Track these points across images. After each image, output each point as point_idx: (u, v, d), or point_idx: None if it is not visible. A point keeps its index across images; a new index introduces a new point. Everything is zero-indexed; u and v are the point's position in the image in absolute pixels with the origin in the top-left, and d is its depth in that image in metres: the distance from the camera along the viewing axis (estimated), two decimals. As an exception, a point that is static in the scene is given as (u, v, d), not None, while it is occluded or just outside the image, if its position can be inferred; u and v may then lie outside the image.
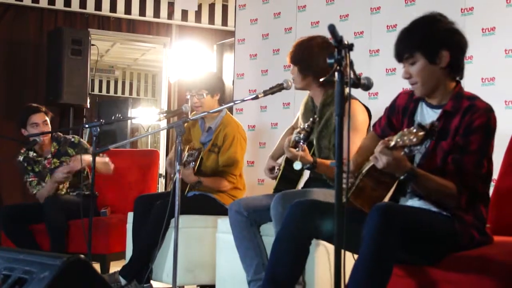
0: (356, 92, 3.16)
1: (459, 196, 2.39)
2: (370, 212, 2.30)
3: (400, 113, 2.69)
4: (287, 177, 3.32)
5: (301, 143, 3.06)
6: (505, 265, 2.26)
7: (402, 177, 2.34)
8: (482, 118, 2.40)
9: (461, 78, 2.56)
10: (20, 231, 4.61)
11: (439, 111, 2.52)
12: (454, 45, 2.48)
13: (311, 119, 3.24)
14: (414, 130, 2.20)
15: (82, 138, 5.19)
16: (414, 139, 2.18)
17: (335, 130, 3.18)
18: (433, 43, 2.46)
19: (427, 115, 2.58)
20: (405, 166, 2.31)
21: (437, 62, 2.46)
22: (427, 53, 2.47)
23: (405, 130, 2.24)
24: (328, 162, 3.23)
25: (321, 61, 3.27)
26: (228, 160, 4.05)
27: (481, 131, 2.40)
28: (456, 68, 2.51)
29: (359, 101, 3.29)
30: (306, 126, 3.15)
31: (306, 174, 3.46)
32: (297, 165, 3.08)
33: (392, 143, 2.27)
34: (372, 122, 3.24)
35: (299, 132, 3.14)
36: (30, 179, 4.75)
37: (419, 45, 2.47)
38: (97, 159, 4.42)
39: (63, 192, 4.79)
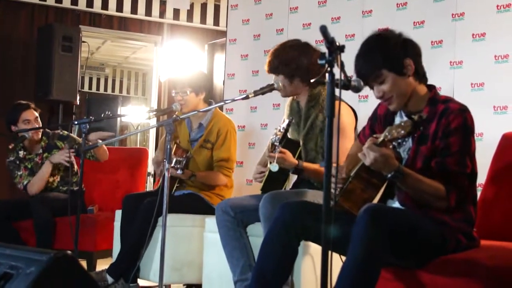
0: (346, 94, 3.17)
1: (448, 196, 2.40)
2: (360, 213, 2.31)
3: (382, 122, 2.72)
4: (274, 178, 3.33)
5: (277, 145, 3.09)
6: (491, 268, 2.28)
7: (389, 175, 2.35)
8: (458, 119, 2.43)
9: (426, 81, 2.59)
10: (6, 227, 4.58)
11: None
12: (412, 52, 2.54)
13: (286, 120, 3.26)
14: (402, 124, 2.22)
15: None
16: (402, 131, 2.21)
17: (321, 131, 3.27)
18: (395, 56, 2.51)
19: None
20: (392, 164, 2.33)
21: (404, 72, 2.50)
22: (393, 67, 2.50)
23: (393, 125, 2.26)
24: (314, 166, 3.24)
25: (304, 60, 3.30)
26: (224, 155, 4.08)
27: (459, 132, 2.43)
28: (420, 73, 2.56)
29: (346, 102, 3.30)
30: (281, 128, 3.18)
31: (294, 175, 3.46)
32: (274, 167, 3.12)
33: (380, 139, 2.28)
34: (360, 124, 3.26)
35: (275, 134, 3.18)
36: (21, 172, 4.73)
37: (383, 62, 2.50)
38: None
39: (54, 186, 4.77)
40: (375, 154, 2.30)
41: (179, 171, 3.83)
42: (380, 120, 2.74)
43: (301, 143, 3.36)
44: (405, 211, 2.51)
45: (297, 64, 3.31)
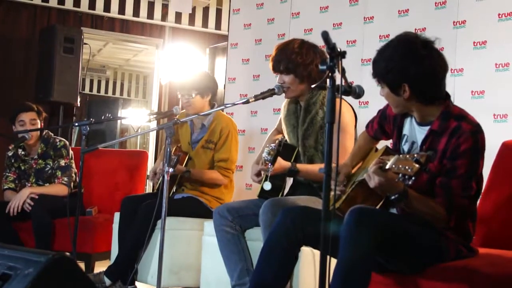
0: (347, 100, 3.18)
1: (448, 219, 2.40)
2: (346, 215, 2.32)
3: (391, 122, 2.71)
4: (272, 182, 3.33)
5: (269, 165, 3.13)
6: (489, 275, 2.27)
7: (393, 197, 2.34)
8: (469, 142, 2.38)
9: (434, 102, 2.50)
10: (4, 228, 4.57)
11: (426, 128, 2.52)
12: (416, 79, 2.42)
13: (278, 140, 3.28)
14: (410, 160, 2.15)
15: (72, 137, 5.16)
16: (409, 170, 2.13)
17: (321, 128, 3.26)
18: (393, 77, 2.45)
19: (415, 130, 2.58)
20: (397, 187, 2.32)
21: (400, 93, 2.46)
22: (389, 85, 2.47)
23: (401, 156, 2.20)
24: (309, 166, 3.23)
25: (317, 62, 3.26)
26: (223, 156, 4.08)
27: (468, 155, 2.39)
28: (424, 97, 2.47)
29: (345, 100, 3.23)
30: (272, 147, 3.19)
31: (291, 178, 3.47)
32: (267, 186, 3.15)
33: (387, 167, 2.24)
34: (359, 127, 3.25)
35: (268, 153, 3.18)
36: (9, 174, 4.74)
37: (382, 76, 2.48)
38: (45, 189, 4.61)
39: None
40: (380, 179, 2.29)
41: (170, 169, 3.85)
42: (389, 120, 2.72)
43: (299, 139, 3.35)
44: (398, 215, 2.50)
45: (313, 68, 3.26)
